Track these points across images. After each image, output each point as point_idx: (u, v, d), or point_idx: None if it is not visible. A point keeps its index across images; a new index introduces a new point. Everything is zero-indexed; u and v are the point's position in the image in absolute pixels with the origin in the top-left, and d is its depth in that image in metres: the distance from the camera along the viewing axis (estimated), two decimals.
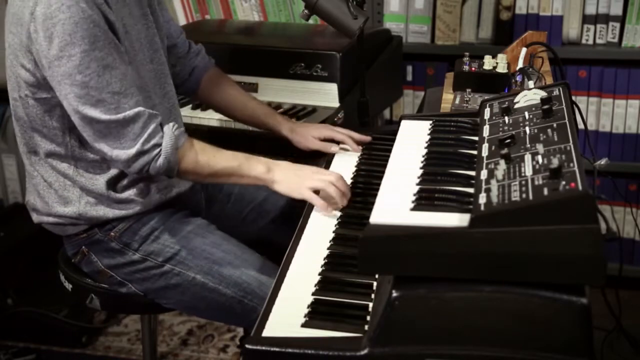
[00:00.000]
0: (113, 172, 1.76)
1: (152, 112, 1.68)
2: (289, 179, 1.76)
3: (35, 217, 1.86)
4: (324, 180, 1.74)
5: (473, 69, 1.98)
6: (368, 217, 1.26)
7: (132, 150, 1.65)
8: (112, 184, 1.77)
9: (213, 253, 1.78)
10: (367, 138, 2.03)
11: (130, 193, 1.78)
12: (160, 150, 1.67)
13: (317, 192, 1.75)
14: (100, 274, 1.85)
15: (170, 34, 1.98)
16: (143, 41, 1.78)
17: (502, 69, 1.95)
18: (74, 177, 1.76)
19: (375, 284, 1.44)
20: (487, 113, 1.59)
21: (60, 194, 1.77)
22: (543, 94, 1.54)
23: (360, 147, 2.02)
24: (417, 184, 1.40)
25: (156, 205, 1.82)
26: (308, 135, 2.01)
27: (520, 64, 1.99)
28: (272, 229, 2.05)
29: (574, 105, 1.61)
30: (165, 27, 1.93)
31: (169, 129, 1.69)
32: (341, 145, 2.01)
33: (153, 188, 1.82)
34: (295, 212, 2.00)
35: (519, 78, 1.95)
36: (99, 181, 1.76)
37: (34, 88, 1.67)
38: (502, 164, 1.30)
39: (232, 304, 1.76)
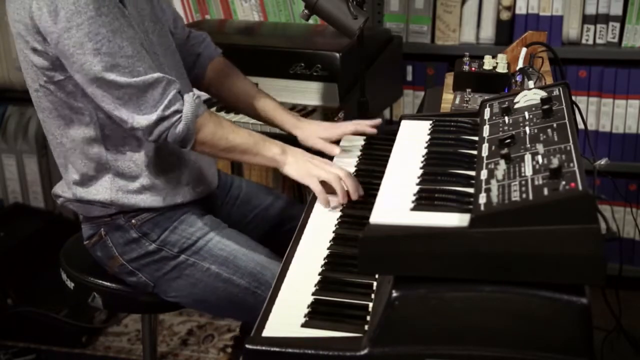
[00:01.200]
0: (145, 153, 1.76)
1: (170, 78, 1.68)
2: (301, 164, 1.77)
3: (61, 200, 1.86)
4: (334, 173, 1.76)
5: (473, 69, 1.98)
6: (368, 217, 1.26)
7: (153, 117, 1.65)
8: (146, 166, 1.77)
9: (228, 244, 1.80)
10: (377, 121, 2.00)
11: (162, 181, 1.79)
12: (181, 116, 1.67)
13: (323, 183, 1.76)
14: (112, 260, 1.85)
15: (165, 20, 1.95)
16: (148, 23, 1.77)
17: (502, 69, 1.95)
18: (108, 160, 1.76)
19: (375, 284, 1.44)
20: (487, 113, 1.59)
21: (92, 183, 1.78)
22: (543, 94, 1.54)
23: (373, 130, 1.99)
24: (417, 184, 1.40)
25: (184, 201, 1.83)
26: (313, 135, 1.99)
27: (520, 64, 1.99)
28: (276, 234, 2.05)
29: (574, 105, 1.61)
30: (162, 10, 1.92)
31: (189, 96, 1.70)
32: (341, 144, 2.00)
33: (183, 180, 1.82)
34: (298, 219, 2.00)
35: (519, 78, 1.95)
36: (134, 162, 1.76)
37: (50, 72, 1.67)
38: (502, 164, 1.30)
39: (245, 296, 1.76)
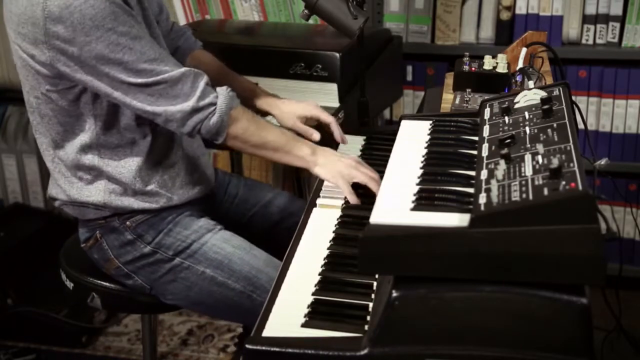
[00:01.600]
0: (138, 160, 1.76)
1: (197, 71, 1.70)
2: (333, 164, 1.77)
3: (57, 203, 1.86)
4: (367, 174, 1.76)
5: (473, 69, 1.98)
6: (368, 217, 1.26)
7: (187, 107, 1.66)
8: (138, 172, 1.77)
9: (223, 247, 1.79)
10: (345, 139, 1.97)
11: (155, 185, 1.79)
12: (215, 108, 1.69)
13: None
14: (108, 263, 1.85)
15: (152, 10, 1.92)
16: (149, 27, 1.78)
17: (502, 69, 1.95)
18: (101, 167, 1.76)
19: (375, 284, 1.44)
20: (487, 113, 1.59)
21: (86, 186, 1.78)
22: (543, 94, 1.54)
23: (343, 138, 1.97)
24: (417, 184, 1.40)
25: (180, 202, 1.83)
26: (291, 114, 1.97)
27: (520, 64, 1.99)
28: (275, 232, 2.05)
29: (574, 105, 1.61)
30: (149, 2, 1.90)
31: (223, 89, 1.72)
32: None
33: (177, 182, 1.82)
34: (300, 214, 2.00)
35: (519, 78, 1.95)
36: (126, 169, 1.76)
37: (56, 80, 1.67)
38: (502, 164, 1.30)
39: (241, 299, 1.76)
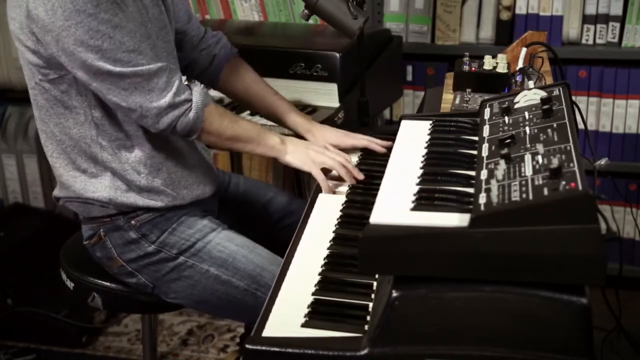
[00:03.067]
0: (141, 154, 1.76)
1: (172, 67, 1.71)
2: (301, 152, 1.82)
3: (62, 201, 1.86)
4: (335, 159, 1.81)
5: (473, 69, 1.98)
6: (368, 217, 1.26)
7: (162, 103, 1.67)
8: (142, 167, 1.77)
9: (227, 246, 1.79)
10: (388, 143, 1.94)
11: (161, 183, 1.79)
12: (191, 105, 1.70)
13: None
14: (112, 261, 1.85)
15: (178, 18, 1.94)
16: (152, 18, 1.77)
17: (502, 69, 1.95)
18: (103, 159, 1.76)
19: (375, 284, 1.44)
20: (487, 113, 1.59)
21: (91, 180, 1.78)
22: (543, 94, 1.54)
23: (382, 149, 1.95)
24: (417, 184, 1.40)
25: (184, 202, 1.83)
26: (324, 140, 1.97)
27: (520, 64, 1.99)
28: (276, 230, 2.06)
29: (574, 105, 1.61)
30: (174, 10, 1.91)
31: (197, 86, 1.73)
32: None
33: (183, 181, 1.83)
34: (300, 213, 2.00)
35: (519, 78, 1.95)
36: (129, 164, 1.76)
37: (44, 69, 1.67)
38: (502, 164, 1.30)
39: (245, 297, 1.76)
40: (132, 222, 1.80)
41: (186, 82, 1.74)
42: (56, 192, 1.87)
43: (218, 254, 1.79)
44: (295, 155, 1.82)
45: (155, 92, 1.66)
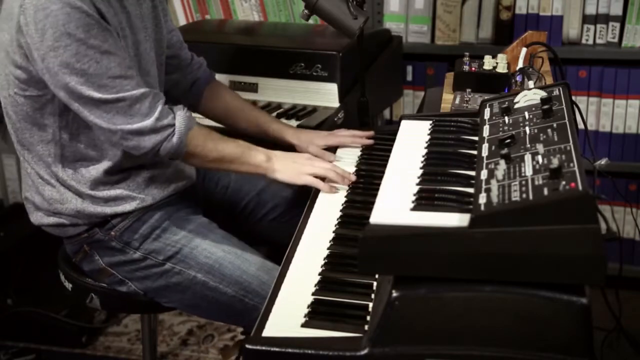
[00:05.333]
0: (99, 171, 1.76)
1: (157, 92, 1.71)
2: (289, 166, 1.81)
3: (35, 218, 1.85)
4: (323, 167, 1.82)
5: (473, 69, 1.98)
6: (368, 217, 1.26)
7: (144, 126, 1.66)
8: (104, 179, 1.77)
9: (214, 252, 1.79)
10: (370, 133, 2.03)
11: (124, 188, 1.79)
12: (174, 130, 1.70)
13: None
14: (101, 273, 1.85)
15: (172, 44, 1.98)
16: (141, 51, 1.78)
17: (502, 69, 1.95)
18: (64, 177, 1.76)
19: (375, 284, 1.44)
20: (487, 113, 1.59)
21: (57, 190, 1.78)
22: (543, 94, 1.54)
23: (369, 141, 2.02)
24: (417, 184, 1.40)
25: (155, 202, 1.82)
26: (311, 143, 2.00)
27: (520, 64, 1.99)
28: (272, 219, 2.06)
29: (574, 105, 1.61)
30: (167, 37, 1.93)
31: (181, 110, 1.73)
32: (338, 154, 2.00)
33: (150, 182, 1.82)
34: (294, 202, 2.01)
35: (519, 78, 1.95)
36: (89, 179, 1.76)
37: (24, 85, 1.67)
38: (502, 164, 1.30)
39: (233, 303, 1.76)
40: (112, 232, 1.80)
41: (168, 106, 1.73)
42: (30, 198, 1.84)
43: (205, 260, 1.78)
44: (283, 171, 1.81)
45: (137, 117, 1.66)
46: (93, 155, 1.76)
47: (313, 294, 1.43)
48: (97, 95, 1.62)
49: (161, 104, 1.70)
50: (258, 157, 1.80)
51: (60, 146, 1.74)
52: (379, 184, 1.44)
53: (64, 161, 1.75)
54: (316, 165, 1.83)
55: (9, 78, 1.68)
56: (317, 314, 1.37)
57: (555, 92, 1.56)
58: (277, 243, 1.95)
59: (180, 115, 1.72)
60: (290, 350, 1.26)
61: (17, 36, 1.61)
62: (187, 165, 1.95)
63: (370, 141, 2.02)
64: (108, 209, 1.78)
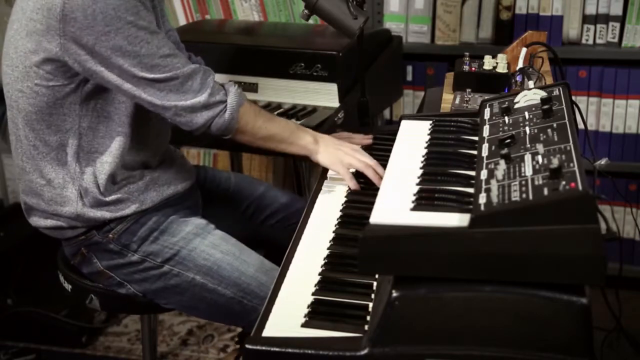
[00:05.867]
0: (107, 168, 1.75)
1: (206, 68, 1.74)
2: (332, 152, 1.84)
3: (33, 220, 1.85)
4: (363, 161, 1.83)
5: (473, 69, 1.98)
6: (368, 217, 1.26)
7: (198, 103, 1.69)
8: (110, 180, 1.77)
9: (212, 254, 1.79)
10: (368, 141, 2.02)
11: (126, 191, 1.79)
12: (226, 106, 1.72)
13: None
14: (100, 275, 1.85)
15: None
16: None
17: (502, 69, 1.95)
18: (75, 173, 1.75)
19: (375, 284, 1.44)
20: (487, 113, 1.59)
21: (58, 192, 1.77)
22: (543, 94, 1.54)
23: (362, 138, 2.02)
24: (417, 184, 1.40)
25: (153, 204, 1.82)
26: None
27: (520, 64, 1.99)
28: (271, 224, 2.07)
29: (574, 105, 1.61)
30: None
31: (232, 86, 1.75)
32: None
33: (149, 186, 1.82)
34: (293, 208, 2.01)
35: (519, 78, 1.95)
36: (96, 176, 1.75)
37: (50, 75, 1.66)
38: (502, 164, 1.30)
39: (232, 305, 1.76)
40: (110, 235, 1.80)
41: (220, 83, 1.76)
42: (27, 201, 1.84)
43: (203, 262, 1.78)
44: (326, 155, 1.84)
45: (190, 93, 1.68)
46: (111, 148, 1.75)
47: (313, 294, 1.44)
48: (150, 75, 1.64)
49: (212, 80, 1.72)
50: (306, 138, 1.84)
51: (79, 135, 1.73)
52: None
53: (79, 152, 1.74)
54: (358, 157, 1.84)
55: (30, 70, 1.67)
56: (317, 314, 1.37)
57: (555, 92, 1.56)
58: (276, 241, 1.96)
59: (232, 92, 1.74)
60: (290, 350, 1.26)
61: (59, 25, 1.60)
62: (185, 167, 1.96)
63: (368, 141, 2.02)
64: (107, 214, 1.78)
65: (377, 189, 1.42)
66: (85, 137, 1.74)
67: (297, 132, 1.84)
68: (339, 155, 1.83)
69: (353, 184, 1.81)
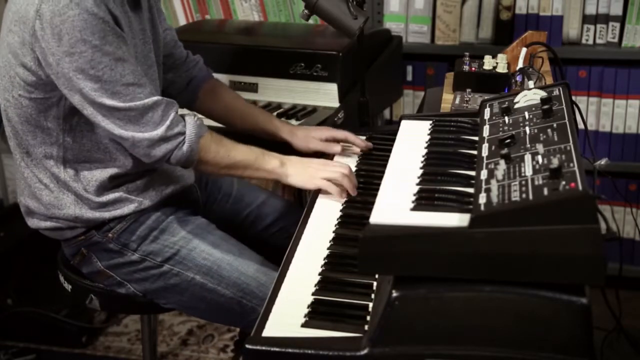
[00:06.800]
0: (100, 174, 1.76)
1: (169, 100, 1.70)
2: (302, 171, 1.80)
3: (32, 222, 1.85)
4: (337, 171, 1.80)
5: (473, 69, 1.98)
6: (368, 217, 1.26)
7: (155, 135, 1.66)
8: (104, 184, 1.77)
9: (212, 254, 1.79)
10: (369, 145, 2.01)
11: (124, 190, 1.79)
12: (184, 138, 1.69)
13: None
14: (100, 275, 1.84)
15: (165, 43, 1.98)
16: (139, 55, 1.78)
17: (502, 69, 1.95)
18: (65, 179, 1.75)
19: (375, 284, 1.44)
20: (487, 113, 1.59)
21: (55, 196, 1.77)
22: (543, 94, 1.54)
23: (365, 144, 2.01)
24: (417, 184, 1.40)
25: (153, 204, 1.82)
26: (309, 137, 2.01)
27: (520, 64, 1.99)
28: (271, 232, 2.06)
29: (574, 105, 1.61)
30: (162, 36, 1.93)
31: (191, 118, 1.72)
32: (342, 144, 2.01)
33: (148, 185, 1.82)
34: (293, 217, 2.01)
35: (519, 78, 1.95)
36: (89, 183, 1.75)
37: (31, 87, 1.66)
38: (502, 164, 1.30)
39: (232, 305, 1.76)
40: (109, 234, 1.79)
41: (180, 114, 1.73)
42: (26, 204, 1.84)
43: (203, 262, 1.78)
44: (297, 175, 1.80)
45: (149, 125, 1.66)
46: (98, 158, 1.75)
47: (313, 294, 1.44)
48: (109, 102, 1.62)
49: (173, 113, 1.69)
50: (272, 162, 1.79)
51: (63, 149, 1.73)
52: (378, 184, 1.44)
53: (65, 163, 1.75)
54: (330, 170, 1.80)
55: (15, 80, 1.68)
56: (317, 314, 1.37)
57: (555, 92, 1.56)
58: (275, 247, 1.95)
59: (190, 123, 1.71)
60: (290, 350, 1.26)
61: (31, 40, 1.60)
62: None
63: (363, 143, 2.01)
64: (106, 214, 1.78)
65: (377, 189, 1.42)
66: (71, 150, 1.74)
67: (262, 157, 1.79)
68: (310, 172, 1.80)
69: (339, 193, 1.78)
